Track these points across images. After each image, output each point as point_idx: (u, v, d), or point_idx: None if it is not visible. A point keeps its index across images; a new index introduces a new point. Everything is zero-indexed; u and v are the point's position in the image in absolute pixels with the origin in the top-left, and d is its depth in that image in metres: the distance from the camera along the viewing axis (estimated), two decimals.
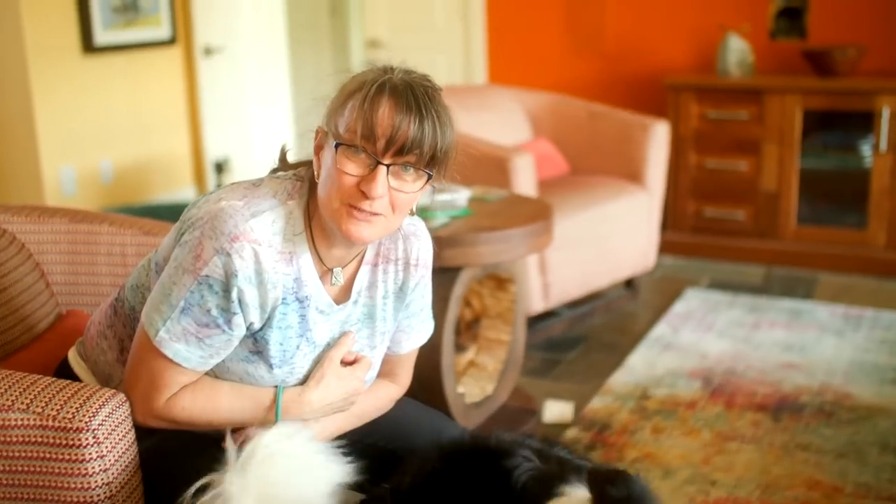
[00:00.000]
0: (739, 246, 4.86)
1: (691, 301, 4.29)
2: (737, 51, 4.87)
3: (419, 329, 1.79)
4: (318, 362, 1.63)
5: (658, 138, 4.24)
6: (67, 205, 4.79)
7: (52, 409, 1.49)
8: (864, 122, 4.66)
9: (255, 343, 1.55)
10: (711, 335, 3.89)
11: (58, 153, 4.92)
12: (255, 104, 6.09)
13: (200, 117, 5.66)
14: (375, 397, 1.77)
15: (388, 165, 1.45)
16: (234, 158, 5.85)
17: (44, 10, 4.74)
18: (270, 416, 1.56)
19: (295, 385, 1.62)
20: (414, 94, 1.46)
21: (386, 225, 1.51)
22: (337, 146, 1.46)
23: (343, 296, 1.62)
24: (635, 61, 5.35)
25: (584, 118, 4.49)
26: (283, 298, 1.53)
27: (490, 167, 3.62)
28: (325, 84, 1.59)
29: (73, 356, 1.79)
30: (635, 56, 5.35)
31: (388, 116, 1.43)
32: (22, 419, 1.49)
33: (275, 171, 1.65)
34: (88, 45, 4.97)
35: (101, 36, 5.04)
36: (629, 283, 4.39)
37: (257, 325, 1.53)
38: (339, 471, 1.53)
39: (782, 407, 3.23)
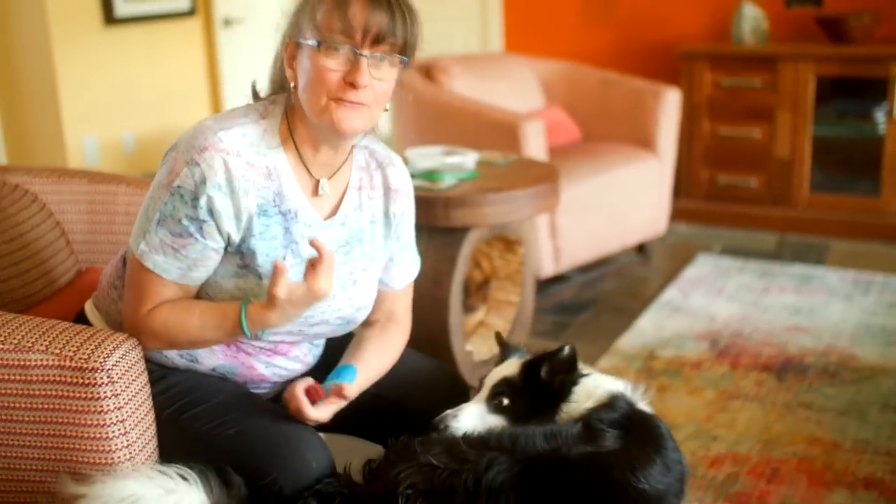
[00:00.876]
0: (752, 213, 4.89)
1: (703, 266, 4.34)
2: (751, 18, 4.88)
3: (409, 262, 1.88)
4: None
5: (669, 105, 4.27)
6: None
7: (70, 350, 1.58)
8: (878, 89, 4.67)
9: (242, 257, 1.63)
10: (721, 299, 3.94)
11: (81, 123, 5.03)
12: None
13: (220, 88, 5.74)
14: (386, 354, 1.84)
15: (367, 57, 1.55)
16: None
17: None
18: (237, 329, 1.60)
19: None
20: None
21: (370, 115, 1.61)
22: (319, 45, 1.55)
23: (330, 214, 1.71)
24: (650, 30, 5.37)
25: (597, 86, 4.53)
26: (265, 210, 1.61)
27: (501, 133, 3.68)
28: None
29: (88, 307, 1.89)
30: (650, 24, 5.37)
31: (361, 10, 1.54)
32: (41, 359, 1.58)
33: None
34: (109, 16, 5.06)
35: (122, 7, 5.13)
36: (641, 249, 4.44)
37: (236, 236, 1.60)
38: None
39: (787, 367, 3.29)
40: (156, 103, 5.42)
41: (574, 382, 1.69)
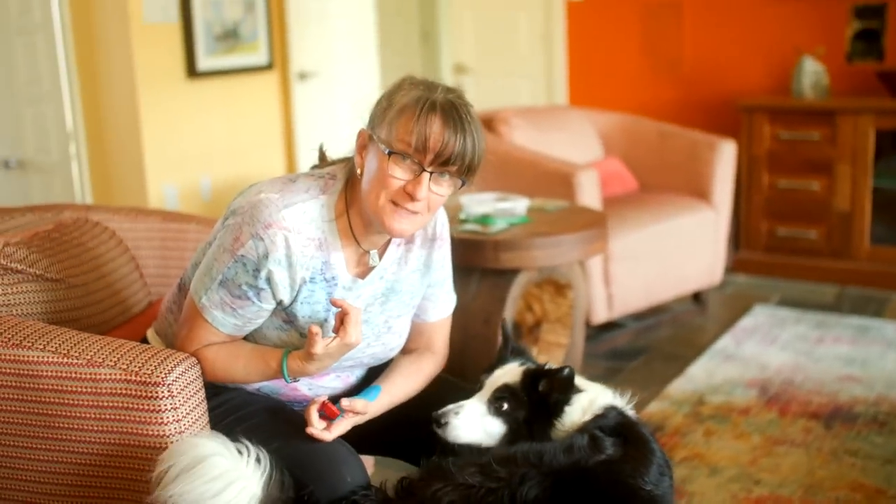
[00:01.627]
0: (812, 265, 4.91)
1: (759, 316, 4.38)
2: (811, 73, 4.95)
3: (444, 299, 2.01)
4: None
5: (725, 157, 4.35)
6: None
7: (136, 366, 1.75)
8: None
9: (287, 315, 1.81)
10: (774, 348, 3.97)
11: (162, 171, 5.31)
12: (348, 127, 6.37)
13: (295, 139, 5.99)
14: (415, 379, 1.97)
15: (431, 173, 1.70)
16: None
17: (153, 39, 5.14)
18: (279, 376, 1.80)
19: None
20: (458, 113, 1.71)
21: (421, 221, 1.78)
22: (390, 154, 1.70)
23: (366, 273, 1.86)
24: (711, 84, 5.47)
25: (655, 137, 4.64)
26: (312, 278, 1.77)
27: (557, 182, 3.81)
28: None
29: (150, 333, 2.08)
30: (711, 78, 5.47)
31: (438, 133, 1.68)
32: (110, 374, 1.75)
33: (315, 167, 1.89)
34: (192, 70, 5.36)
35: (204, 61, 5.43)
36: (697, 298, 4.50)
37: (287, 301, 1.78)
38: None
39: (835, 415, 3.31)
40: (233, 152, 5.69)
41: (567, 402, 1.80)
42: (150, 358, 1.76)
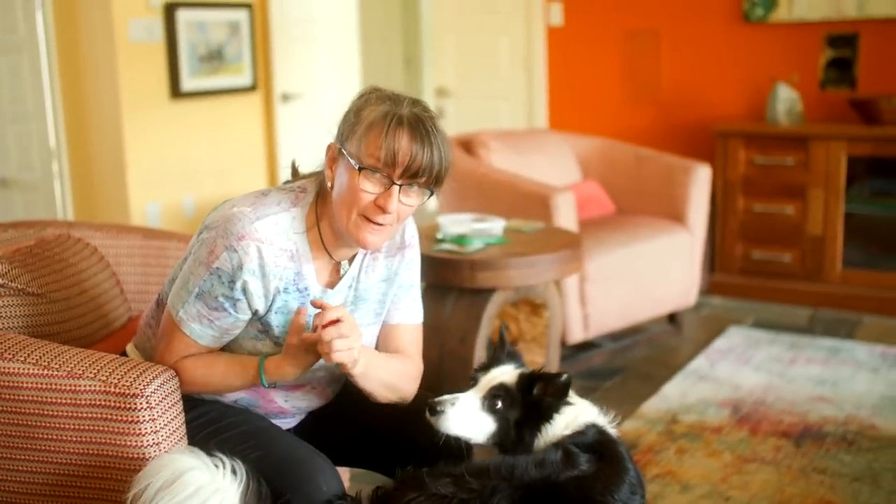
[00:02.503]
0: (786, 288, 4.99)
1: (733, 338, 4.45)
2: (785, 100, 5.05)
3: (409, 304, 2.04)
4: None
5: (700, 180, 4.44)
6: None
7: (115, 378, 1.79)
8: None
9: (261, 325, 1.86)
10: (747, 369, 4.04)
11: (145, 189, 5.35)
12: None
13: (277, 159, 6.05)
14: (400, 363, 1.98)
15: (400, 185, 1.75)
16: None
17: (138, 60, 5.20)
18: (257, 381, 1.85)
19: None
20: (425, 126, 1.77)
21: (390, 232, 1.83)
22: (360, 169, 1.74)
23: (334, 282, 1.91)
24: (688, 110, 5.57)
25: (632, 161, 4.72)
26: (286, 288, 1.82)
27: (534, 204, 3.87)
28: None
29: (129, 347, 2.12)
30: (688, 105, 5.57)
31: (406, 147, 1.74)
32: (89, 386, 1.79)
33: (287, 182, 1.95)
34: (176, 90, 5.42)
35: (188, 82, 5.49)
36: (673, 319, 4.57)
37: (262, 311, 1.83)
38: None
39: (805, 434, 3.37)
40: (216, 172, 5.74)
41: (558, 409, 1.85)
42: (129, 370, 1.81)
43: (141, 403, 1.77)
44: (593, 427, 1.85)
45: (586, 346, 4.28)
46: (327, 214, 1.85)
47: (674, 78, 5.63)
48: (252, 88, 5.90)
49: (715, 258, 5.17)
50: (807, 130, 4.89)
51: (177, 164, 5.52)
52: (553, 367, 3.40)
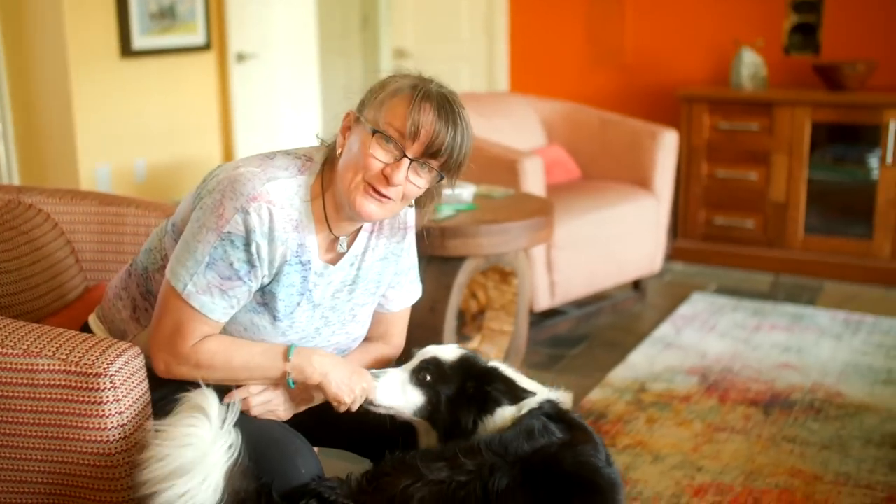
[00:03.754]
0: (748, 254, 4.99)
1: (697, 304, 4.43)
2: (750, 65, 5.01)
3: (408, 288, 1.98)
4: (317, 319, 1.82)
5: (667, 146, 4.39)
6: None
7: (75, 356, 1.68)
8: (872, 136, 4.79)
9: (263, 296, 1.75)
10: (713, 336, 4.02)
11: (95, 151, 5.16)
12: (286, 110, 6.30)
13: (232, 121, 5.88)
14: (367, 357, 1.94)
15: (411, 160, 1.67)
16: None
17: (85, 16, 4.99)
18: (283, 371, 1.74)
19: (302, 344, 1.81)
20: (453, 107, 1.68)
21: (392, 209, 1.74)
22: (374, 132, 1.66)
23: (337, 258, 1.82)
24: (652, 74, 5.51)
25: (597, 126, 4.66)
26: (289, 259, 1.72)
27: (501, 169, 3.79)
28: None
29: (92, 319, 2.00)
30: (652, 69, 5.51)
31: (431, 122, 1.65)
32: (48, 364, 1.68)
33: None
34: (127, 49, 5.21)
35: (139, 41, 5.29)
36: (637, 286, 4.53)
37: (267, 280, 1.73)
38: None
39: (774, 402, 3.36)
40: (168, 134, 5.56)
41: (490, 412, 1.78)
42: (90, 348, 1.70)
43: (104, 383, 1.66)
44: (548, 402, 1.80)
45: (551, 314, 4.23)
46: (333, 185, 1.75)
47: (637, 41, 5.56)
48: (206, 48, 5.71)
49: (677, 224, 5.14)
50: (772, 96, 4.86)
51: (128, 126, 5.33)
52: (522, 335, 3.34)
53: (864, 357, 3.79)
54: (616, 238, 4.15)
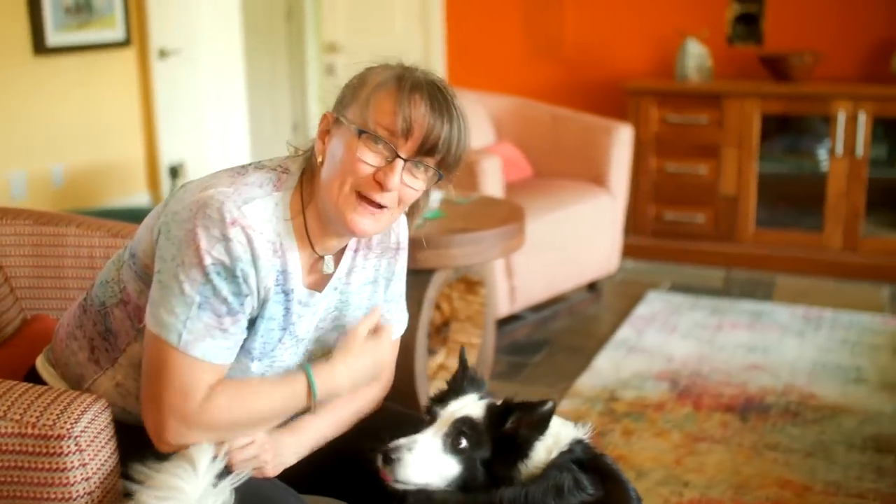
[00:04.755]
0: (699, 249, 4.91)
1: (654, 304, 4.32)
2: (695, 56, 4.92)
3: (398, 317, 1.77)
4: (300, 355, 1.61)
5: (621, 141, 4.26)
6: None
7: (31, 416, 1.43)
8: (821, 127, 4.75)
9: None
10: (675, 337, 3.91)
11: (7, 157, 4.80)
12: (211, 108, 6.00)
13: (155, 121, 5.56)
14: (354, 399, 1.73)
15: (405, 160, 1.46)
16: (190, 163, 5.76)
17: None
18: (308, 398, 1.55)
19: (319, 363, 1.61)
20: (445, 97, 1.48)
21: (387, 219, 1.52)
22: (361, 133, 1.45)
23: (321, 283, 1.60)
24: (595, 66, 5.38)
25: (548, 122, 4.50)
26: (272, 289, 1.51)
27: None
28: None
29: (41, 364, 1.73)
30: (595, 61, 5.38)
31: (424, 116, 1.45)
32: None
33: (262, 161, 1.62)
34: (40, 45, 4.86)
35: (53, 37, 4.93)
36: (592, 287, 4.40)
37: (255, 313, 1.51)
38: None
39: (749, 407, 3.26)
40: (87, 136, 5.21)
41: (535, 441, 1.58)
42: (49, 404, 1.45)
43: (68, 446, 1.42)
44: (578, 444, 1.60)
45: (508, 319, 4.06)
46: (314, 199, 1.53)
47: (578, 33, 5.42)
48: (125, 43, 5.38)
49: (627, 220, 5.02)
50: (721, 88, 4.78)
51: (43, 128, 4.97)
52: (489, 347, 3.16)
53: (830, 355, 3.72)
54: (574, 239, 4.01)
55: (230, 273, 1.44)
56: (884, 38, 4.80)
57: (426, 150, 1.46)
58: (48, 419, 1.43)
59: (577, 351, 3.82)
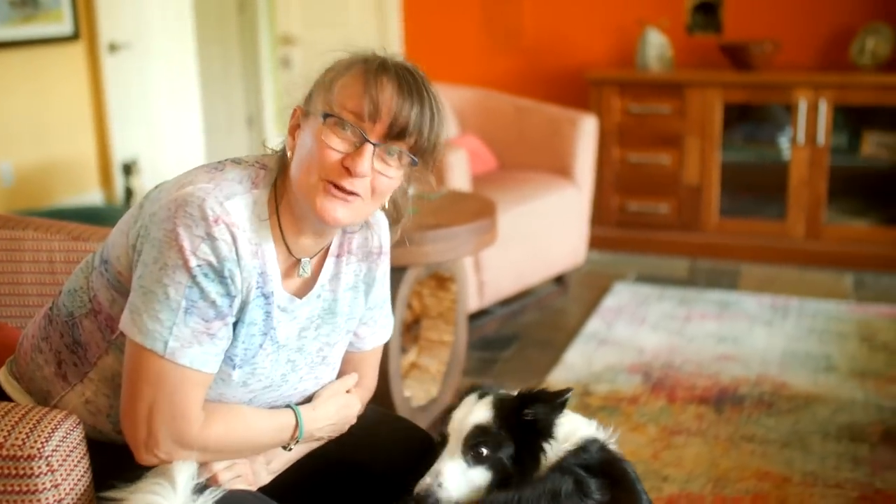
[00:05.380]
0: (663, 239, 4.90)
1: (621, 295, 4.29)
2: (656, 45, 4.90)
3: (382, 323, 1.71)
4: (282, 363, 1.54)
5: (586, 132, 4.22)
6: None
7: None
8: (783, 115, 4.76)
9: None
10: (645, 329, 3.88)
11: None
12: (164, 102, 5.85)
13: (107, 117, 5.40)
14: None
15: (375, 145, 1.40)
16: (143, 159, 5.61)
17: None
18: (293, 435, 1.55)
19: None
20: (415, 79, 1.42)
21: (361, 209, 1.45)
22: (325, 117, 1.39)
23: (304, 290, 1.53)
24: (555, 56, 5.34)
25: (511, 113, 4.45)
26: (252, 292, 1.44)
27: None
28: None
29: (4, 377, 1.63)
30: (555, 51, 5.33)
31: (391, 97, 1.39)
32: None
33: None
34: None
35: None
36: (559, 279, 4.36)
37: (234, 319, 1.44)
38: None
39: (723, 399, 3.24)
40: (36, 133, 5.05)
41: (555, 422, 1.55)
42: (16, 423, 1.36)
43: (39, 467, 1.33)
44: (596, 443, 1.56)
45: (476, 314, 4.01)
46: (286, 199, 1.46)
47: (537, 23, 5.37)
48: (74, 37, 5.21)
49: (591, 211, 4.99)
50: (683, 77, 4.77)
51: None
52: (461, 344, 3.10)
53: (799, 343, 3.72)
54: (542, 232, 3.96)
55: (218, 273, 1.36)
56: (842, 26, 4.82)
57: (396, 133, 1.39)
58: (17, 438, 1.34)
59: (547, 345, 3.77)
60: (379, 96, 1.37)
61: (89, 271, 1.53)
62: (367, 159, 1.39)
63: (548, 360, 3.61)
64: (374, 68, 1.39)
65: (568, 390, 1.54)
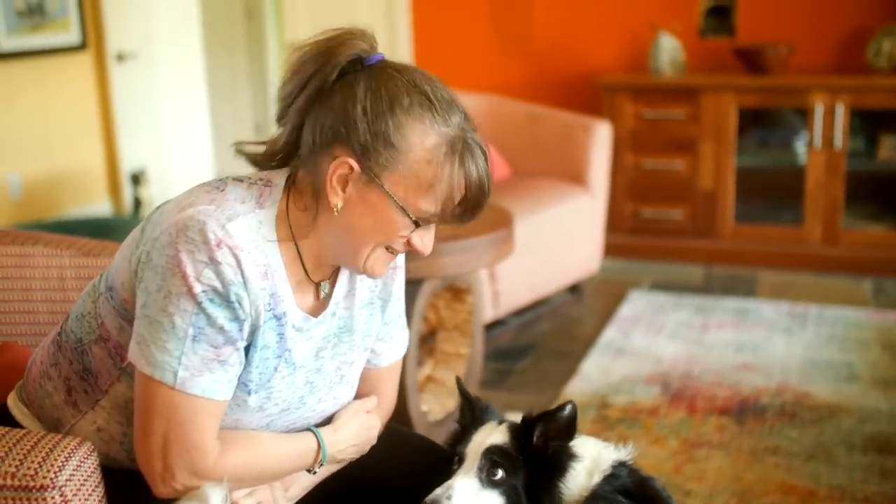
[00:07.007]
0: (678, 246, 4.84)
1: (636, 303, 4.23)
2: (669, 49, 4.85)
3: (398, 338, 1.66)
4: (300, 385, 1.49)
5: (600, 139, 4.17)
6: None
7: (10, 466, 1.29)
8: (798, 119, 4.69)
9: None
10: (662, 338, 3.83)
11: None
12: (172, 111, 5.82)
13: (114, 126, 5.37)
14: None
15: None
16: (152, 168, 5.57)
17: None
18: (316, 459, 1.51)
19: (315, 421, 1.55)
20: (482, 151, 1.40)
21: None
22: (416, 224, 1.36)
23: (318, 308, 1.48)
24: (566, 61, 5.28)
25: (523, 120, 4.39)
26: (263, 314, 1.38)
27: None
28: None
29: (13, 403, 1.58)
30: (565, 56, 5.28)
31: (476, 185, 1.36)
32: None
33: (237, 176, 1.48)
34: None
35: (6, 41, 4.73)
36: (573, 288, 4.31)
37: (245, 342, 1.39)
38: None
39: (744, 409, 3.18)
40: (44, 144, 5.01)
41: (572, 454, 1.49)
42: (29, 451, 1.31)
43: (53, 497, 1.28)
44: (623, 467, 1.51)
45: (492, 325, 3.95)
46: (314, 234, 1.41)
47: (547, 27, 5.31)
48: (81, 47, 5.18)
49: (605, 218, 4.94)
50: (697, 82, 4.71)
51: None
52: (478, 356, 3.05)
53: (819, 352, 3.66)
54: (557, 240, 3.91)
55: (224, 298, 1.31)
56: (858, 28, 4.76)
57: (471, 213, 1.40)
58: (29, 468, 1.29)
59: (563, 355, 3.72)
60: (470, 195, 1.36)
61: (96, 296, 1.47)
62: (434, 235, 1.42)
63: (564, 370, 3.56)
64: (458, 160, 1.34)
65: (567, 404, 1.47)
